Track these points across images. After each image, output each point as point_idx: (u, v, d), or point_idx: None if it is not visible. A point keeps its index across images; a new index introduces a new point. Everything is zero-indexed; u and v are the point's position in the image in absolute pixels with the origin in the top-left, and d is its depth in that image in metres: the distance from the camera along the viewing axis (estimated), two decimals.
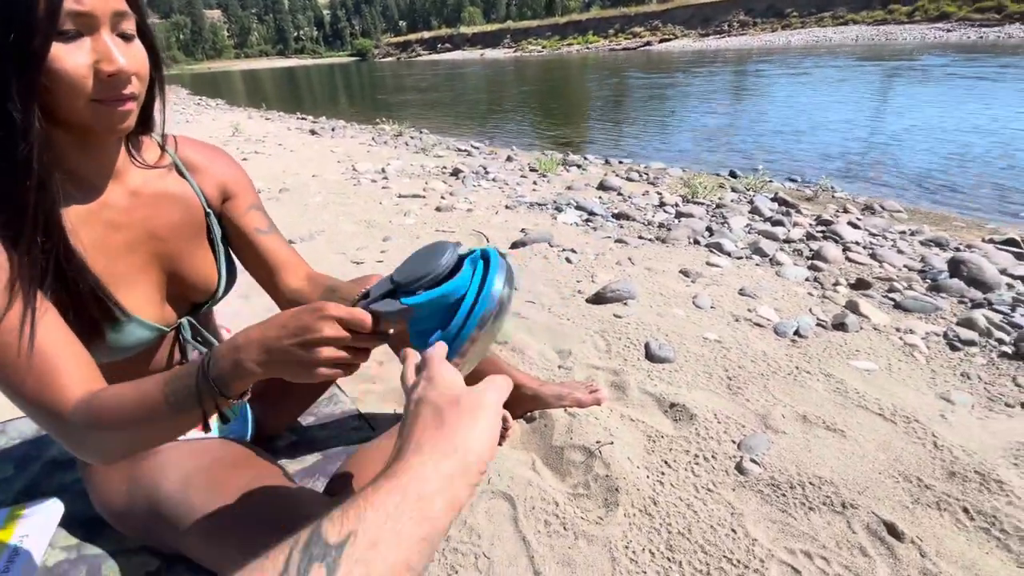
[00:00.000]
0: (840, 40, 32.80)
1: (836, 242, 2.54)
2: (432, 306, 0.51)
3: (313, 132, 7.54)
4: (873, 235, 2.81)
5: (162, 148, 0.78)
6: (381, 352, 1.35)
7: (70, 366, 0.58)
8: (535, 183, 4.10)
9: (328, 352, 0.48)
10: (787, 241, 2.53)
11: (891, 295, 1.95)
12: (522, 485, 1.01)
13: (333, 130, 7.97)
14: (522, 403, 1.18)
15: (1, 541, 0.81)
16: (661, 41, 49.02)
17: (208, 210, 0.80)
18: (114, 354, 0.71)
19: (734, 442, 1.14)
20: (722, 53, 31.15)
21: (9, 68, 0.52)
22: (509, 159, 5.34)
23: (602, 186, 3.83)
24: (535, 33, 65.81)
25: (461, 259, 0.54)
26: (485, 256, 0.56)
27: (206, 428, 0.59)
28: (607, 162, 5.36)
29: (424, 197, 3.46)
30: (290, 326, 0.49)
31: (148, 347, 0.78)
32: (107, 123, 0.60)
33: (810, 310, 1.76)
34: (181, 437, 0.81)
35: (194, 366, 0.53)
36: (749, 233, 2.64)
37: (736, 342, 1.53)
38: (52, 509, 0.88)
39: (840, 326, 1.65)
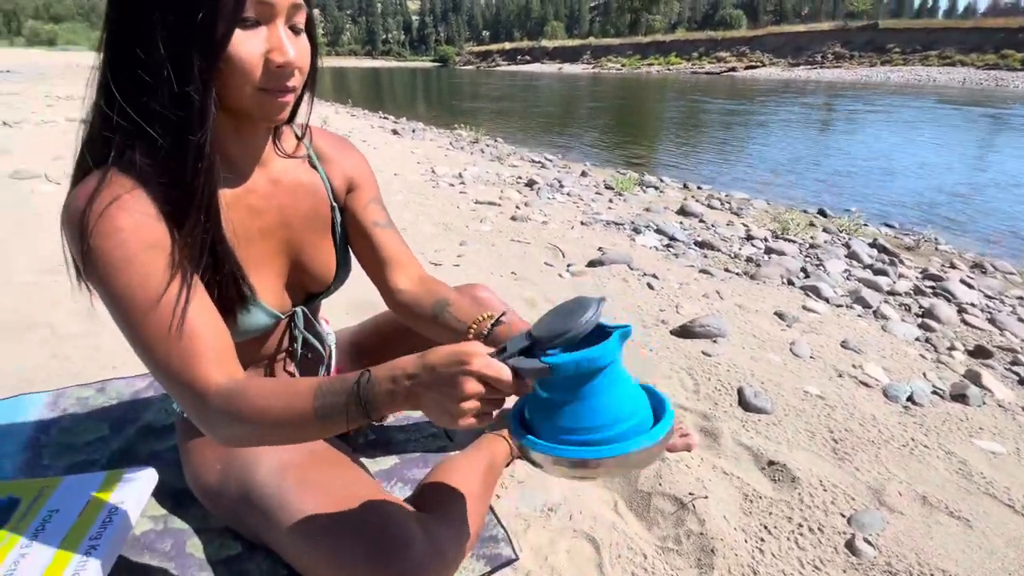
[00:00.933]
0: (945, 81, 30.52)
1: (948, 301, 2.30)
2: (572, 369, 0.48)
3: (395, 132, 7.80)
4: (989, 297, 2.54)
5: (299, 138, 0.79)
6: None
7: (215, 348, 0.58)
8: (611, 201, 4.02)
9: (469, 405, 0.48)
10: (892, 293, 2.32)
11: (1015, 368, 1.73)
12: (606, 528, 0.94)
13: (413, 131, 8.21)
14: None
15: (98, 505, 0.83)
16: (747, 68, 47.51)
17: (333, 203, 0.80)
18: (235, 337, 0.71)
19: (843, 515, 1.02)
20: (812, 84, 29.79)
21: (193, 51, 0.53)
22: (584, 174, 5.28)
23: (683, 211, 3.70)
24: (616, 51, 65.55)
25: (601, 326, 0.51)
26: (650, 391, 0.55)
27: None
28: (685, 186, 5.19)
29: (500, 205, 3.46)
30: (440, 373, 0.49)
31: (263, 333, 0.78)
32: (267, 112, 0.60)
33: (924, 375, 1.58)
34: None
35: (347, 383, 0.53)
36: (848, 279, 2.44)
37: (841, 400, 1.39)
38: (148, 478, 0.90)
39: (960, 397, 1.47)
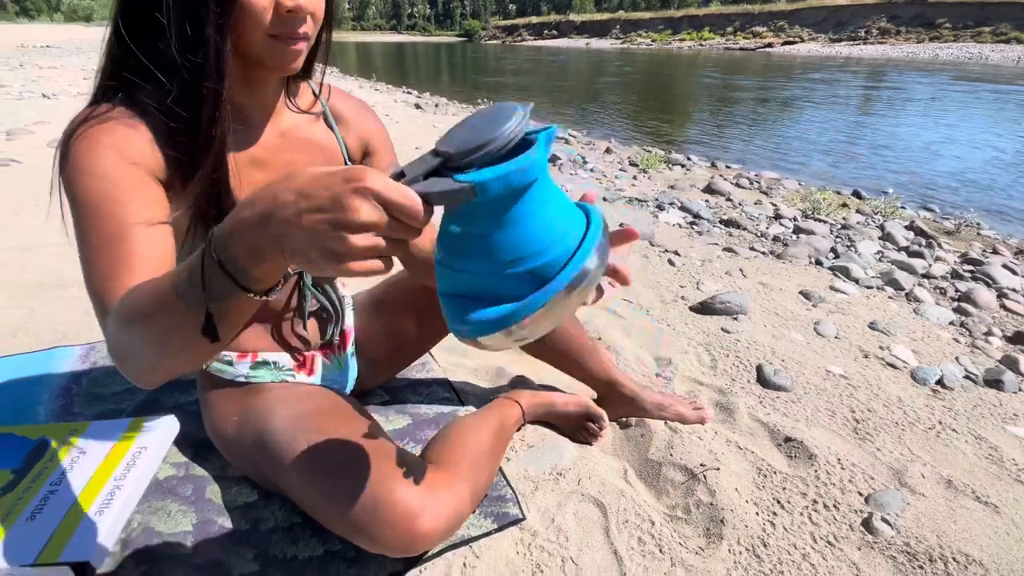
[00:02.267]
0: (998, 60, 28.63)
1: (988, 285, 2.19)
2: (500, 187, 0.36)
3: (417, 106, 7.76)
4: None
5: (315, 96, 0.78)
6: None
7: (142, 275, 0.51)
8: (635, 178, 3.94)
9: (362, 241, 0.34)
10: (927, 276, 2.22)
11: None
12: (614, 494, 0.94)
13: (436, 106, 8.15)
14: (618, 405, 1.11)
15: (123, 449, 0.87)
16: (784, 43, 45.46)
17: (348, 163, 0.80)
18: None
19: (861, 494, 0.99)
20: (853, 61, 28.41)
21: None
22: (608, 151, 5.18)
23: (709, 189, 3.60)
24: (646, 25, 63.42)
25: (527, 136, 0.39)
26: (582, 209, 0.44)
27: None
28: (713, 165, 5.05)
29: None
30: (316, 197, 0.35)
31: None
32: (279, 60, 0.60)
33: (956, 359, 1.52)
34: (288, 380, 0.83)
35: (200, 249, 0.40)
36: (881, 261, 2.35)
37: (866, 381, 1.34)
38: (170, 426, 0.93)
39: (994, 383, 1.41)
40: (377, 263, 0.36)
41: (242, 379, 0.81)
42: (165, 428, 0.91)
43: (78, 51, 16.01)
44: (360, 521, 0.63)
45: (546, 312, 0.39)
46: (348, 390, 0.97)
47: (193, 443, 0.94)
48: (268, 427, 0.75)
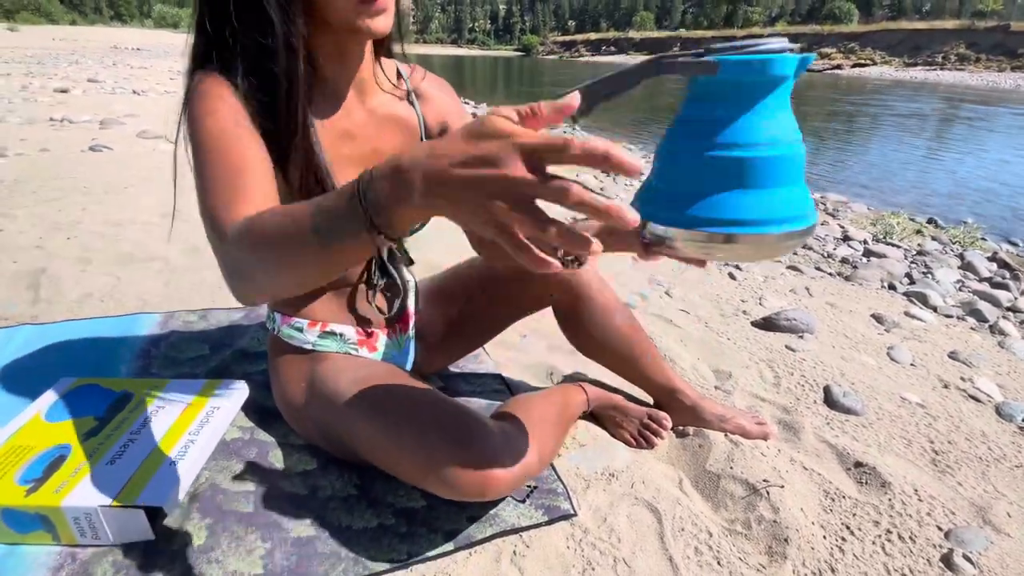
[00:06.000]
0: None
1: None
2: (741, 76, 0.42)
3: (474, 115, 7.91)
4: None
5: (400, 75, 0.81)
6: (525, 327, 1.32)
7: (256, 203, 0.54)
8: None
9: (503, 209, 0.32)
10: (1012, 309, 2.05)
11: None
12: (669, 501, 0.90)
13: None
14: (677, 413, 1.07)
15: (198, 406, 0.91)
16: (854, 65, 43.61)
17: (424, 139, 0.82)
18: None
19: (940, 528, 0.91)
20: (928, 86, 26.88)
21: None
22: None
23: None
24: (707, 44, 62.48)
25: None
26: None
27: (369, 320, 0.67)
28: None
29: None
30: (465, 152, 0.33)
31: None
32: (367, 22, 0.61)
33: None
34: (352, 353, 0.85)
35: (350, 184, 0.40)
36: (961, 290, 2.19)
37: (946, 412, 1.25)
38: (240, 390, 0.97)
39: None
40: (549, 260, 0.34)
41: (309, 347, 0.84)
42: (237, 391, 0.95)
43: (166, 54, 17.34)
44: (438, 460, 0.64)
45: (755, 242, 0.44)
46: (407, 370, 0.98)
47: (259, 410, 0.98)
48: (337, 387, 0.77)
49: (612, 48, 76.58)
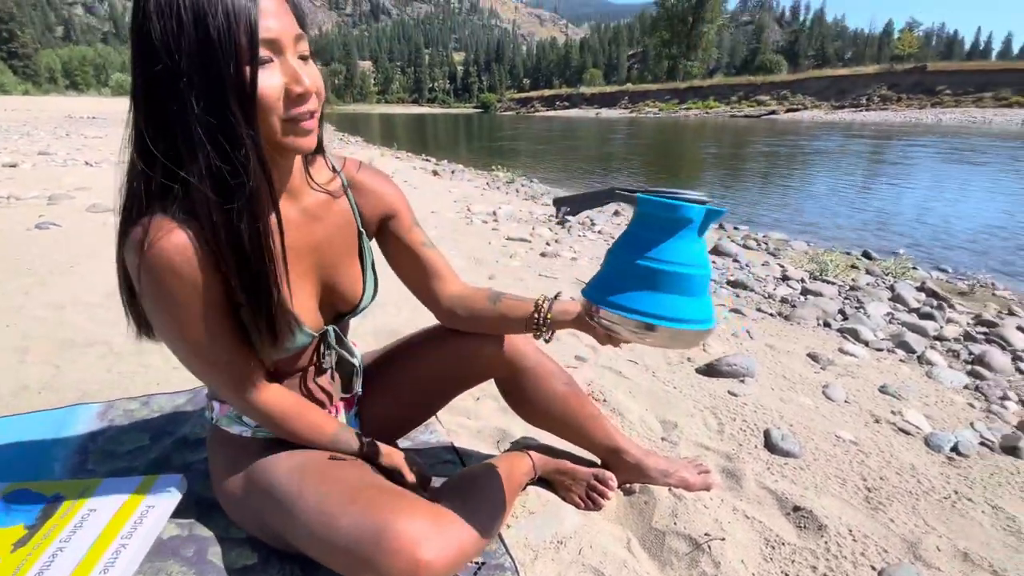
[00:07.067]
0: (1002, 124, 29.26)
1: (1003, 348, 2.16)
2: (666, 213, 0.59)
3: (435, 173, 8.12)
4: None
5: (333, 170, 0.85)
6: (478, 390, 1.35)
7: (249, 371, 0.74)
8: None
9: None
10: (939, 339, 2.20)
11: None
12: (616, 565, 0.92)
13: (452, 172, 8.53)
14: (622, 472, 1.10)
15: (131, 507, 0.89)
16: (788, 111, 47.13)
17: (361, 229, 0.86)
18: (279, 355, 0.77)
19: (874, 568, 0.96)
20: (857, 126, 29.21)
21: (230, 101, 0.57)
22: (617, 213, 5.32)
23: (716, 250, 3.66)
24: (653, 96, 66.47)
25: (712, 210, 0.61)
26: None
27: None
28: (721, 226, 5.14)
29: (530, 242, 3.53)
30: None
31: (301, 350, 0.84)
32: (297, 140, 0.64)
33: (971, 424, 1.49)
34: None
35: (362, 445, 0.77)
36: (891, 323, 2.34)
37: (877, 447, 1.32)
38: (178, 485, 0.95)
39: (1011, 450, 1.37)
40: None
41: (248, 434, 0.85)
42: (173, 487, 0.93)
43: (122, 122, 17.20)
44: (365, 553, 0.64)
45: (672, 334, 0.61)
46: None
47: (199, 503, 0.95)
48: (274, 477, 0.78)
49: (566, 103, 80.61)
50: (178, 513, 0.93)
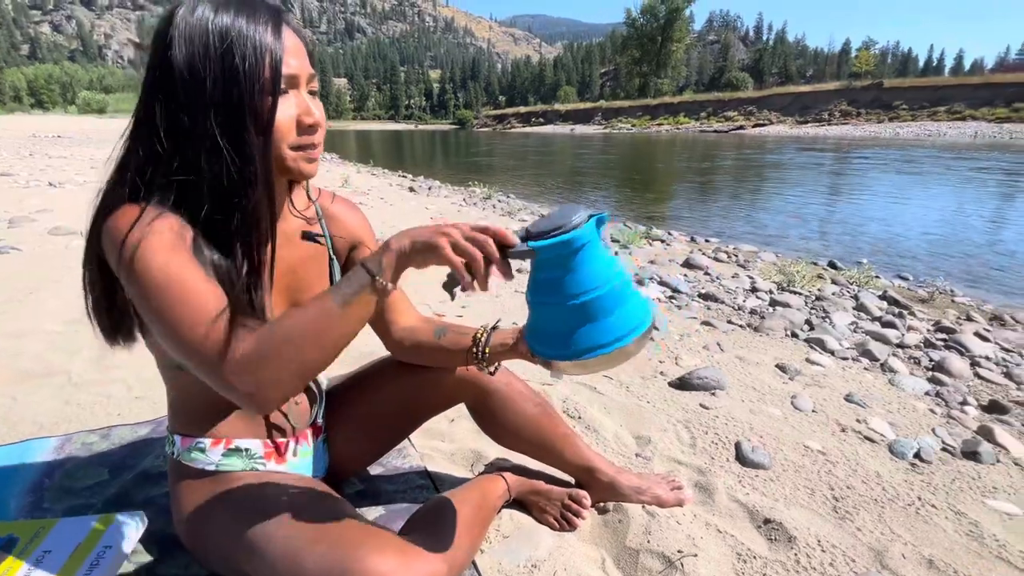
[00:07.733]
0: (956, 136, 30.83)
1: (961, 354, 2.25)
2: (554, 252, 0.59)
3: (412, 190, 8.13)
4: (1007, 350, 2.47)
5: (309, 198, 0.87)
6: (453, 411, 1.34)
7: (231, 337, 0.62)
8: (616, 254, 4.08)
9: (457, 236, 0.58)
10: (901, 346, 2.28)
11: None
12: None
13: (429, 189, 8.54)
14: (596, 491, 1.10)
15: (88, 547, 0.85)
16: (755, 126, 48.76)
17: (332, 256, 0.87)
18: None
19: None
20: (820, 140, 30.34)
21: (247, 124, 0.62)
22: None
23: (687, 263, 3.73)
24: (626, 112, 68.09)
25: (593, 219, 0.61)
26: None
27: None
28: (692, 239, 5.25)
29: None
30: (430, 226, 0.61)
31: None
32: (303, 167, 0.70)
33: (933, 430, 1.54)
34: (258, 468, 0.84)
35: (354, 272, 0.62)
36: (855, 332, 2.41)
37: (843, 456, 1.35)
38: (137, 524, 0.92)
39: (972, 455, 1.42)
40: (458, 260, 0.58)
41: (212, 468, 0.82)
42: (132, 525, 0.90)
43: (87, 141, 16.83)
44: None
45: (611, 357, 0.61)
46: (322, 476, 0.97)
47: (160, 540, 0.92)
48: (238, 513, 0.76)
49: (541, 119, 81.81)
50: (139, 552, 0.90)
